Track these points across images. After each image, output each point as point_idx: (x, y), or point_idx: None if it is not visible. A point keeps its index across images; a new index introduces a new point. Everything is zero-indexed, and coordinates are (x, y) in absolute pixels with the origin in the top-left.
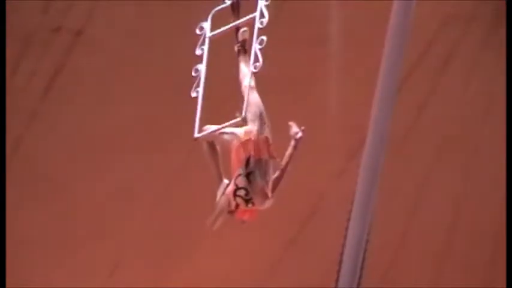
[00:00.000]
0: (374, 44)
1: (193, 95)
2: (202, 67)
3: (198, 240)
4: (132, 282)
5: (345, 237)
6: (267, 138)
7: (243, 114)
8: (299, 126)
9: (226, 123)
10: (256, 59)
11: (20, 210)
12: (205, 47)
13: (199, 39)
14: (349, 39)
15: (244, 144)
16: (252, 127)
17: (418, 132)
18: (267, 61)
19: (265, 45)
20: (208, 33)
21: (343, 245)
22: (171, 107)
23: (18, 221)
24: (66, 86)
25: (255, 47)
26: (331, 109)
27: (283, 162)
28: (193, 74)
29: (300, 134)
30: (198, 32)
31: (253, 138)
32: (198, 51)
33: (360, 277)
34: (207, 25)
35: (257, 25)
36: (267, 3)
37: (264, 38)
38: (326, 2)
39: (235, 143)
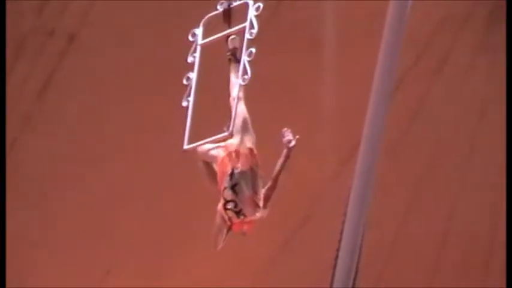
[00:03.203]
0: (368, 48)
1: (184, 104)
2: (193, 75)
3: (192, 241)
4: (126, 283)
5: (340, 240)
6: (251, 149)
7: (230, 128)
8: (294, 131)
9: (212, 138)
10: (245, 72)
11: (15, 211)
12: (197, 55)
13: (191, 45)
14: (344, 43)
15: (227, 157)
16: (234, 139)
17: (413, 136)
18: (261, 66)
19: (259, 54)
20: (200, 41)
21: (338, 249)
22: (163, 111)
23: (11, 223)
24: (59, 89)
25: (244, 59)
26: (325, 113)
27: (275, 171)
28: (184, 82)
29: (293, 143)
30: (190, 38)
31: (235, 150)
32: (189, 59)
33: (355, 279)
34: (199, 31)
35: (246, 36)
36: (257, 13)
37: (253, 50)
38: (319, 5)
39: (219, 156)
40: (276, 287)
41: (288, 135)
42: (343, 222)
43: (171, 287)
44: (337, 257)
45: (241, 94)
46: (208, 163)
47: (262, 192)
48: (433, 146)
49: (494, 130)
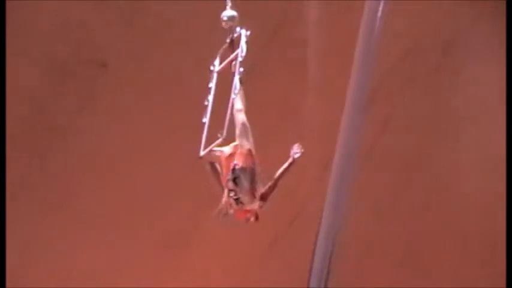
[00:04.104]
0: (347, 69)
1: (204, 120)
2: (210, 98)
3: (186, 239)
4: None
5: (315, 240)
6: (249, 150)
7: (224, 134)
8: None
9: (214, 144)
10: (235, 88)
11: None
12: (213, 82)
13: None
14: (325, 65)
15: (230, 156)
16: (237, 142)
17: (384, 147)
18: (259, 84)
19: (256, 74)
20: (217, 69)
21: (314, 245)
22: (179, 124)
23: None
24: (95, 108)
25: (236, 77)
26: (310, 123)
27: (278, 173)
28: (205, 103)
29: (298, 155)
30: (211, 68)
31: (237, 151)
32: (210, 85)
33: (327, 275)
34: (216, 62)
35: (239, 59)
36: (246, 39)
37: (241, 69)
38: (304, 36)
39: (224, 156)
40: (267, 278)
41: (297, 149)
42: (320, 223)
43: (162, 287)
44: (313, 256)
45: (240, 106)
46: (213, 165)
47: (261, 187)
48: (404, 158)
49: (456, 143)
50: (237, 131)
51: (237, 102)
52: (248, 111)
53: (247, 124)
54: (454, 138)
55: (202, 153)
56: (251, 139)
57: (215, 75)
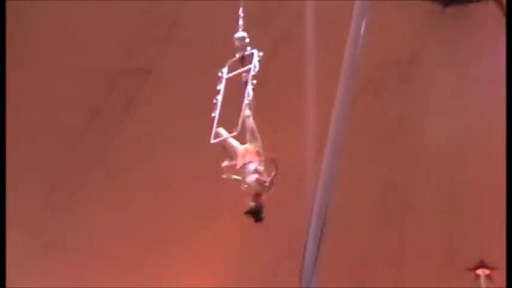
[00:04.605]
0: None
1: (213, 114)
2: (219, 97)
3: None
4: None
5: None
6: (258, 151)
7: (238, 130)
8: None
9: (230, 135)
10: (248, 95)
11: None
12: (222, 85)
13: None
14: (320, 79)
15: (244, 154)
16: (248, 144)
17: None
18: (264, 95)
19: (257, 85)
20: (225, 76)
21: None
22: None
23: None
24: (140, 111)
25: (249, 87)
26: (302, 130)
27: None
28: (214, 101)
29: (274, 174)
30: (219, 74)
31: (248, 151)
32: (218, 87)
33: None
34: (224, 70)
35: (251, 73)
36: (259, 58)
37: (255, 81)
38: (303, 56)
39: (240, 152)
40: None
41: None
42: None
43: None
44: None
45: (248, 112)
46: (226, 149)
47: (265, 174)
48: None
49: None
50: (248, 136)
51: (247, 109)
52: (254, 118)
53: (255, 128)
54: (419, 133)
55: (213, 140)
56: (259, 141)
57: (224, 80)
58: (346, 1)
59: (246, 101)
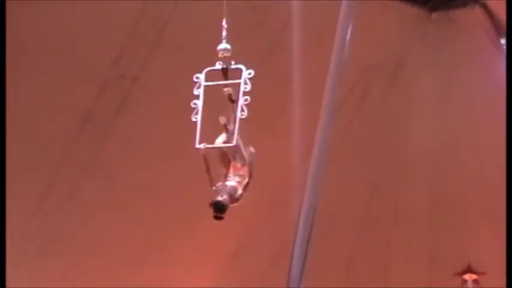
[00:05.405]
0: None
1: (193, 119)
2: (199, 102)
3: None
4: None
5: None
6: (243, 164)
7: (234, 142)
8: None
9: (226, 145)
10: (242, 110)
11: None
12: (201, 90)
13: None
14: (307, 82)
15: (233, 165)
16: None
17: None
18: (255, 100)
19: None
20: (203, 82)
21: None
22: None
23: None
24: (130, 113)
25: (241, 102)
26: (289, 134)
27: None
28: (192, 105)
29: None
30: (195, 79)
31: (235, 164)
32: (195, 92)
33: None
34: (202, 76)
35: (241, 88)
36: (249, 76)
37: (248, 97)
38: (290, 63)
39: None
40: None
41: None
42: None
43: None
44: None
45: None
46: (222, 154)
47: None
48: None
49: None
50: (246, 156)
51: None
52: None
53: (253, 150)
54: (405, 136)
55: (197, 146)
56: (252, 154)
57: (202, 86)
58: (332, 7)
59: (239, 116)
